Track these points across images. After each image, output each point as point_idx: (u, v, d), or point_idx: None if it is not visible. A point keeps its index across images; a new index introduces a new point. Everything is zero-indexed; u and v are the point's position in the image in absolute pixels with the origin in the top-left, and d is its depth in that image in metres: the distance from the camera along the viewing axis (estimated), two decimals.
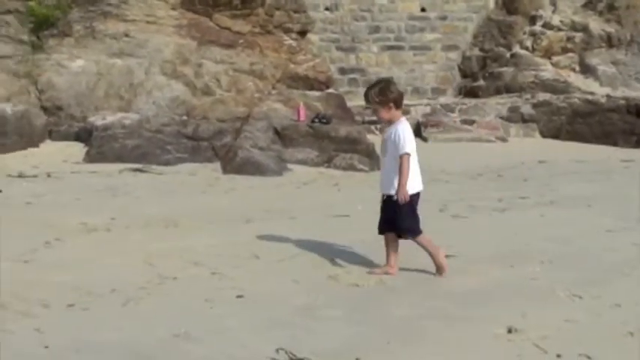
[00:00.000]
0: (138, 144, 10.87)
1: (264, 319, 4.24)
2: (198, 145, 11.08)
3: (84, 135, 11.39)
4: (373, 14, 17.95)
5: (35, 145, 11.19)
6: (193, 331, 4.00)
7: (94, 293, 4.59)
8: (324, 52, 16.80)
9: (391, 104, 5.26)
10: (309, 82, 13.44)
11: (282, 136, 11.54)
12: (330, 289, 4.86)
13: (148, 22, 13.19)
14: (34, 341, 3.83)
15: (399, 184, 5.16)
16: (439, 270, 5.22)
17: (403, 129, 5.25)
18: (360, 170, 10.85)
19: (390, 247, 5.28)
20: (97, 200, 7.84)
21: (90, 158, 10.62)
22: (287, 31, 13.88)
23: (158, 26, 13.24)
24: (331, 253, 5.72)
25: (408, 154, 5.18)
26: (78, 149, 11.05)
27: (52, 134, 11.67)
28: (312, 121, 11.86)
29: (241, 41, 13.46)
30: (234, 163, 9.96)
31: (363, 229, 6.55)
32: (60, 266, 5.21)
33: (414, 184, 5.24)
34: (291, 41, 13.81)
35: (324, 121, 11.85)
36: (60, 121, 11.87)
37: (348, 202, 8.05)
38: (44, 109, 12.01)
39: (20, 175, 9.25)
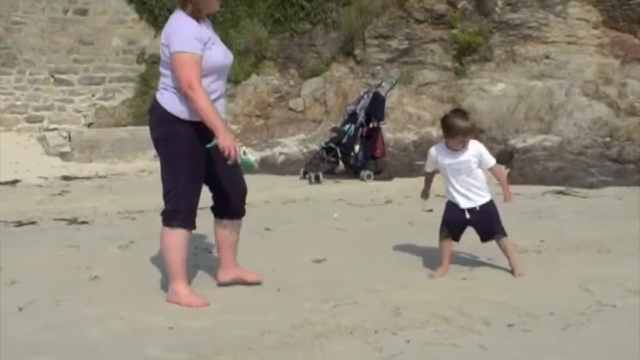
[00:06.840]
0: (560, 166, 10.78)
1: None
2: (623, 168, 10.65)
3: (505, 157, 11.59)
4: None
5: None
6: None
7: (532, 315, 4.60)
8: None
9: None
10: None
11: None
12: None
13: (568, 43, 13.05)
14: (478, 357, 3.95)
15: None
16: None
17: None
18: None
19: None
20: (524, 222, 7.87)
21: (512, 180, 10.74)
22: None
23: (579, 46, 13.03)
24: None
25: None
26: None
27: None
28: None
29: None
30: None
31: None
32: (496, 286, 5.33)
33: None
34: None
35: None
36: (482, 143, 12.24)
37: None
38: None
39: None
